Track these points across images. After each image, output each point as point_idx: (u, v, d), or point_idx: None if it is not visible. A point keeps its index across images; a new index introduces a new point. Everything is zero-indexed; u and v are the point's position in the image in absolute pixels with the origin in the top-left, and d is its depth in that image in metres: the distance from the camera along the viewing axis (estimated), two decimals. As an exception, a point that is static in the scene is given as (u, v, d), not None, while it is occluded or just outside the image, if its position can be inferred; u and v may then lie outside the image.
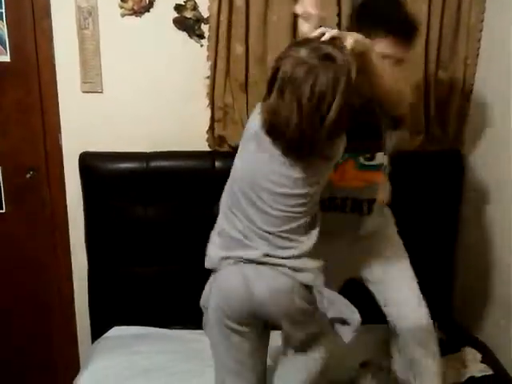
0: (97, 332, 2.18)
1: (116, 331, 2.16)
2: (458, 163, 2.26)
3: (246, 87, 2.09)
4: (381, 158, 1.67)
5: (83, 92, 2.09)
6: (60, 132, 2.12)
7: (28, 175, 2.14)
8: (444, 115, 2.23)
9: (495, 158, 2.07)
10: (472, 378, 1.83)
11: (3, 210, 2.18)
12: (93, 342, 2.19)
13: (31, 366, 2.35)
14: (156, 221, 2.13)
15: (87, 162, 2.09)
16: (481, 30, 2.11)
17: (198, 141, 2.15)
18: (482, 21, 2.09)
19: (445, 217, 2.29)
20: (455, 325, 2.22)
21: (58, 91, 2.08)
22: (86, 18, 2.02)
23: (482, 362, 1.91)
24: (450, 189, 2.27)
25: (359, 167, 1.66)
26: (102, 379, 1.90)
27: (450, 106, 2.21)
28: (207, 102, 2.10)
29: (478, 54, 2.13)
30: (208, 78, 2.08)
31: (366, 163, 1.67)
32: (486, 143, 2.13)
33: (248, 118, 1.47)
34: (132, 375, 1.91)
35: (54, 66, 2.06)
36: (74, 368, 2.14)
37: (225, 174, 2.09)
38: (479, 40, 2.12)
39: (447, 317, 2.32)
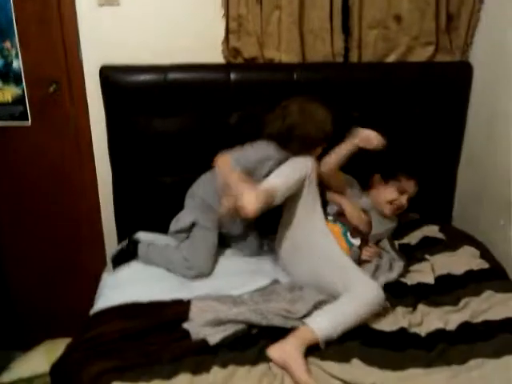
0: (122, 236, 2.31)
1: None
2: (467, 74, 2.30)
3: (260, -2, 2.08)
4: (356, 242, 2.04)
5: (99, 5, 2.11)
6: (79, 45, 2.16)
7: (51, 88, 2.19)
8: (454, 27, 2.25)
9: (504, 69, 2.09)
10: (470, 271, 1.95)
11: (29, 123, 2.25)
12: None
13: (61, 268, 2.51)
14: (174, 132, 2.20)
15: (107, 74, 2.14)
16: None
17: (214, 52, 2.20)
18: None
19: (451, 126, 2.36)
20: (455, 229, 2.36)
21: (76, 4, 2.10)
22: None
23: (480, 258, 2.04)
24: (457, 99, 2.33)
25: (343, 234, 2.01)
26: (125, 278, 2.06)
27: (460, 18, 2.22)
28: (223, 12, 2.12)
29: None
30: (223, -14, 2.08)
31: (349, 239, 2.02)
32: (496, 55, 2.15)
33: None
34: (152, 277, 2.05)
35: (70, -22, 2.06)
36: (101, 270, 2.23)
37: (240, 85, 2.17)
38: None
39: (448, 221, 2.46)
